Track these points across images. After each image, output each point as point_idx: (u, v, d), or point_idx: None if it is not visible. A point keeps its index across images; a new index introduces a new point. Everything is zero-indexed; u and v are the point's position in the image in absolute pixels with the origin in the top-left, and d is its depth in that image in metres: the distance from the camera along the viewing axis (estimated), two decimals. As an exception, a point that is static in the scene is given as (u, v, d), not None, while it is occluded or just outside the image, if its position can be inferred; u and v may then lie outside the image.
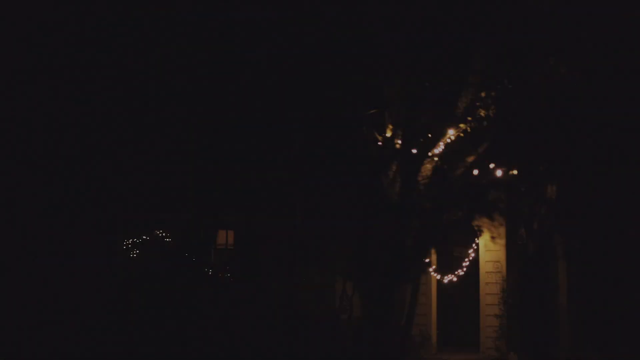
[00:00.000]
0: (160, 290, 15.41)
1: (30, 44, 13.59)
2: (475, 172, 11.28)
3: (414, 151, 10.51)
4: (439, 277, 17.11)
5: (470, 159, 10.90)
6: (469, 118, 10.47)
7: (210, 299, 15.72)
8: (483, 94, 10.47)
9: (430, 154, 10.59)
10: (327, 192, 11.51)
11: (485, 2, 10.01)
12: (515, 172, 11.10)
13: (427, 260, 14.57)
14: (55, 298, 14.54)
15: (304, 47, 10.36)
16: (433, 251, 17.46)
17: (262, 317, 14.97)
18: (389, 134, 10.73)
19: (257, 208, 14.47)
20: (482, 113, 10.37)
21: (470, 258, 17.10)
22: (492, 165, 11.08)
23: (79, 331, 14.10)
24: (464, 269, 17.14)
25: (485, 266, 16.90)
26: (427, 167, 10.80)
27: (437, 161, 10.74)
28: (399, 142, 10.68)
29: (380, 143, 10.74)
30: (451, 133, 10.73)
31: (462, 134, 10.64)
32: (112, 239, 16.64)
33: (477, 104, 10.50)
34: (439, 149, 10.65)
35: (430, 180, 10.78)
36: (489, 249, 16.87)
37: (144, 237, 17.98)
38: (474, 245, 17.12)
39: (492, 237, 15.53)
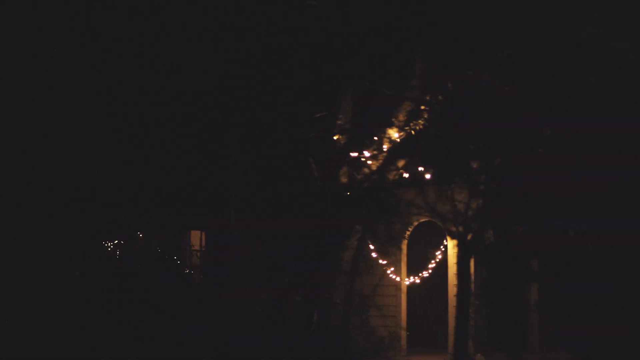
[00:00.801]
0: (132, 289, 15.48)
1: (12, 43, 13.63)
2: (406, 175, 11.29)
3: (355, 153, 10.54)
4: (399, 278, 17.17)
5: (401, 162, 10.92)
6: (412, 123, 10.48)
7: (181, 299, 15.79)
8: (428, 97, 10.48)
9: (370, 154, 10.60)
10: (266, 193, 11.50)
11: (427, 7, 10.00)
12: (429, 174, 11.10)
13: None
14: (27, 297, 14.59)
15: (254, 52, 10.36)
16: (404, 252, 17.52)
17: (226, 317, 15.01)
18: (337, 137, 10.75)
19: (221, 210, 14.51)
20: (422, 120, 10.38)
21: (437, 260, 17.13)
22: (421, 168, 11.09)
23: (48, 328, 14.16)
24: (429, 271, 17.19)
25: (453, 267, 16.85)
26: (368, 169, 10.83)
27: (372, 163, 10.76)
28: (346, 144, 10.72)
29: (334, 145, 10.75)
30: (396, 136, 10.74)
31: (406, 137, 10.65)
32: (88, 240, 16.72)
33: (422, 107, 10.50)
34: (382, 151, 10.66)
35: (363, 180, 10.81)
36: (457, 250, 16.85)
37: (131, 238, 18.12)
38: (441, 247, 17.15)
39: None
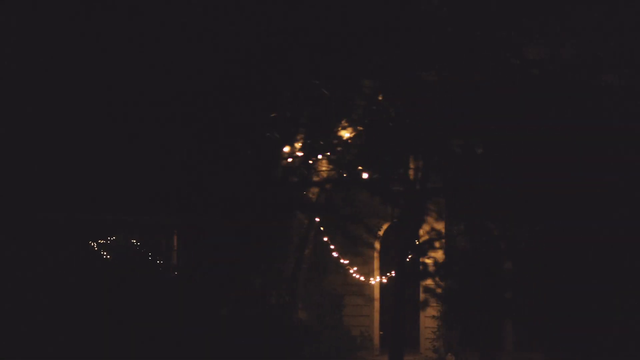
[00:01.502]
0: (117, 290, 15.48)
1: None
2: (345, 175, 11.33)
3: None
4: (371, 278, 17.22)
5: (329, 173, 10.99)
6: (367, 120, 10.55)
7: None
8: (380, 97, 10.51)
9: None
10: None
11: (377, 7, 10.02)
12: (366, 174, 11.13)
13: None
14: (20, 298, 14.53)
15: (210, 50, 10.31)
16: (377, 251, 17.53)
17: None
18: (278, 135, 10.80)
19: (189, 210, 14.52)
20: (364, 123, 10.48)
21: (407, 258, 17.12)
22: (360, 168, 11.17)
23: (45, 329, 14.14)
24: (375, 272, 17.28)
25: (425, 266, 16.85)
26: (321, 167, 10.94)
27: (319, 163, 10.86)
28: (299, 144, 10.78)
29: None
30: (347, 136, 10.80)
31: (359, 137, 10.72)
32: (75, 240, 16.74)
33: (374, 107, 10.54)
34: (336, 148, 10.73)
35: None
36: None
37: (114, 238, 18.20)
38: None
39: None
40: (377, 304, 17.39)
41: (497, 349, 17.42)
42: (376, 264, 17.46)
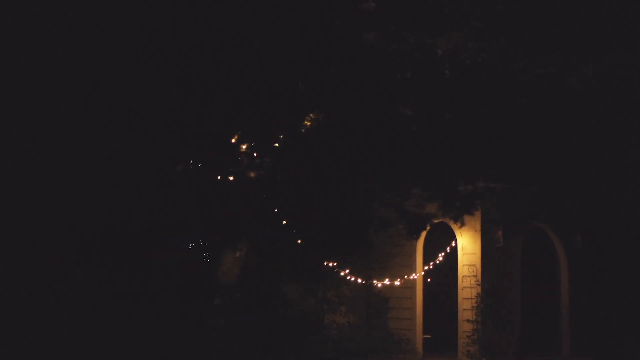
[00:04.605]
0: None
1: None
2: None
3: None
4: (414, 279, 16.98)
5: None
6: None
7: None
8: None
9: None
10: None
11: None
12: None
13: None
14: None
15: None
16: (420, 253, 17.23)
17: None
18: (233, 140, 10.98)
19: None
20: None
21: (438, 261, 16.80)
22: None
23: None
24: (421, 273, 16.90)
25: (462, 270, 16.44)
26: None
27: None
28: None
29: None
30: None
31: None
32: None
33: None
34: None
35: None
36: (466, 252, 16.39)
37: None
38: (447, 248, 16.79)
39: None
40: (419, 308, 17.07)
41: (554, 354, 16.81)
42: (419, 265, 17.19)
